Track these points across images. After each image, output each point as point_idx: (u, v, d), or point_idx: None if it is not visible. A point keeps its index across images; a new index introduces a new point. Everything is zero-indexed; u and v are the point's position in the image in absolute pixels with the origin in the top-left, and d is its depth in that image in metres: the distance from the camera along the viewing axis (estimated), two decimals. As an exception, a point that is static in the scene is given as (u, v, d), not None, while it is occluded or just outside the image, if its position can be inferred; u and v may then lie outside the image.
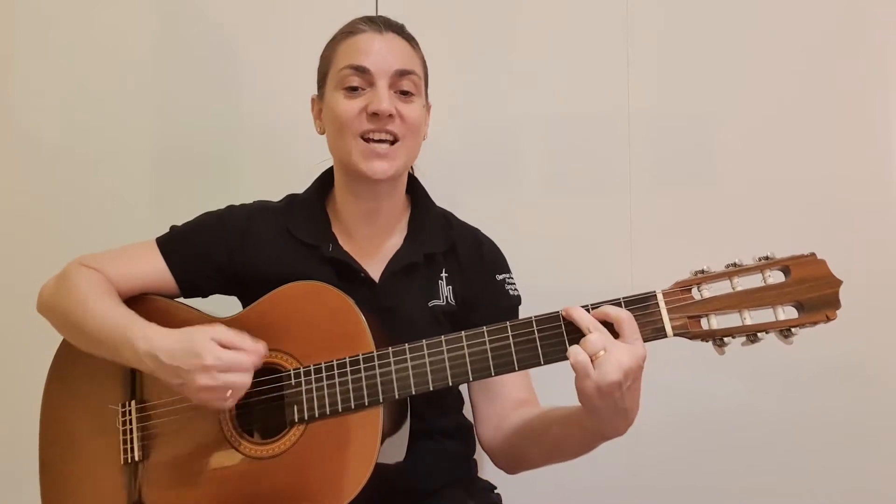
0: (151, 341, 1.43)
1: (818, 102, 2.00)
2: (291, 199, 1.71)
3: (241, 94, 2.15)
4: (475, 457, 1.72)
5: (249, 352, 1.41)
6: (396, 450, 1.46)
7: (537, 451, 1.56)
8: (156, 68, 2.17)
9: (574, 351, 1.29)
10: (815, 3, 2.01)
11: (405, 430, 1.47)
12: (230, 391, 1.38)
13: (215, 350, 1.39)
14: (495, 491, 1.70)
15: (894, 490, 1.95)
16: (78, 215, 2.16)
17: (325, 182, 1.71)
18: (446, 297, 1.63)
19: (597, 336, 1.29)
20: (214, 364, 1.37)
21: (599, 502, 2.02)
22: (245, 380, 1.39)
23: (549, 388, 1.59)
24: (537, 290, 1.71)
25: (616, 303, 1.33)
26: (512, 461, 1.63)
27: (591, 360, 1.27)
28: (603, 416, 1.33)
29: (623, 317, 1.29)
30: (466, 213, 1.76)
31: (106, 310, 1.50)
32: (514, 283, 1.70)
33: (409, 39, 1.62)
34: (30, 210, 2.18)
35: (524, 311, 1.67)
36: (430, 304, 1.61)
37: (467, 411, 1.74)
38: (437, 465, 1.59)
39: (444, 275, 1.64)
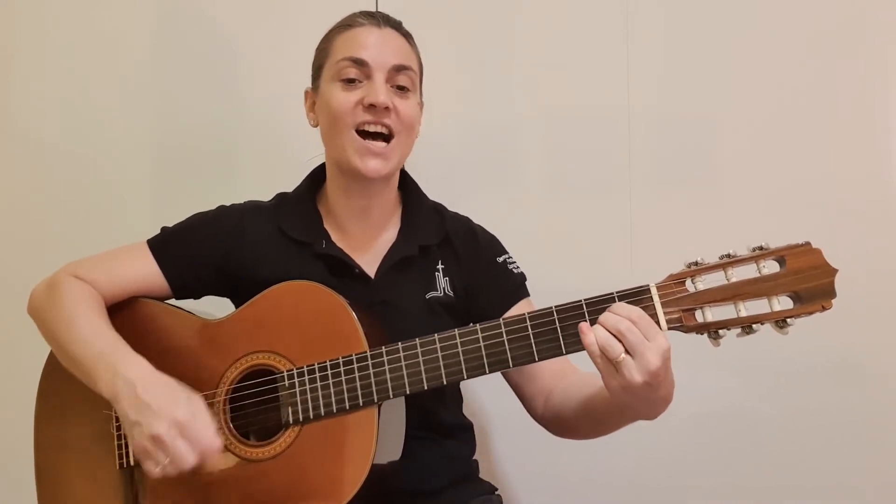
0: (134, 369, 1.39)
1: (818, 102, 1.98)
2: (282, 197, 1.71)
3: (240, 93, 2.15)
4: (475, 457, 1.70)
5: (213, 437, 1.35)
6: (392, 449, 1.45)
7: (588, 426, 1.55)
8: (155, 68, 2.18)
9: (595, 355, 1.27)
10: (815, 3, 1.99)
11: (401, 430, 1.46)
12: (169, 459, 1.32)
13: (190, 412, 1.34)
14: (496, 492, 1.67)
15: (891, 487, 1.93)
16: (78, 215, 2.16)
17: (315, 179, 1.70)
18: (444, 289, 1.62)
19: (615, 342, 1.26)
20: (182, 420, 1.32)
21: (601, 502, 2.00)
22: (189, 458, 1.32)
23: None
24: (537, 289, 1.70)
25: (609, 297, 1.31)
26: (568, 432, 1.62)
27: (613, 364, 1.26)
28: (637, 405, 1.33)
29: (634, 316, 1.26)
30: (466, 212, 1.75)
31: (92, 331, 1.48)
32: (515, 262, 1.70)
33: (407, 36, 1.62)
34: (29, 210, 2.18)
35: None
36: (428, 296, 1.61)
37: (467, 412, 1.73)
38: (436, 466, 1.58)
39: (440, 266, 1.63)
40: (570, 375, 1.60)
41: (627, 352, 1.25)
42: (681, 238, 1.98)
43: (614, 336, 1.26)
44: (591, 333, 1.27)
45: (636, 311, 1.27)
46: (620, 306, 1.28)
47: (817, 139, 1.98)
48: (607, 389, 1.30)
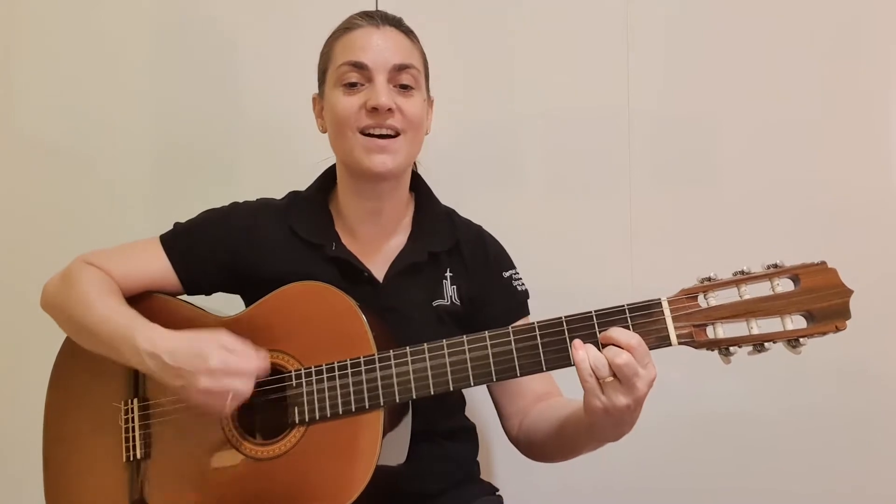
0: (155, 342, 1.42)
1: (818, 102, 2.00)
2: (294, 196, 1.70)
3: (240, 93, 2.14)
4: (477, 458, 1.72)
5: (253, 358, 1.40)
6: (397, 452, 1.45)
7: (555, 448, 1.57)
8: (156, 68, 2.16)
9: (584, 373, 1.28)
10: (815, 4, 2.00)
11: (406, 432, 1.47)
12: (231, 395, 1.37)
13: (220, 353, 1.38)
14: (497, 493, 1.69)
15: (891, 487, 1.96)
16: (78, 215, 2.15)
17: (327, 180, 1.70)
18: (451, 297, 1.62)
19: (605, 364, 1.27)
20: (218, 367, 1.37)
21: (602, 503, 2.02)
22: (247, 386, 1.38)
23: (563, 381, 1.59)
24: (537, 289, 1.71)
25: (620, 309, 1.31)
26: (537, 455, 1.63)
27: (600, 383, 1.28)
28: (607, 428, 1.35)
29: (633, 343, 1.27)
30: (466, 212, 1.75)
31: (109, 309, 1.50)
32: (521, 278, 1.70)
33: (408, 33, 1.61)
34: (30, 210, 2.17)
35: (526, 311, 1.68)
36: (435, 303, 1.61)
37: (470, 413, 1.74)
38: (439, 468, 1.59)
39: (448, 274, 1.63)
40: (550, 400, 1.62)
41: (616, 376, 1.27)
42: (680, 239, 2.00)
43: (609, 364, 1.27)
44: (583, 350, 1.29)
45: (635, 339, 1.27)
46: (620, 333, 1.29)
47: (817, 140, 1.99)
48: (587, 408, 1.32)
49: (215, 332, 1.42)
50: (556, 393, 1.65)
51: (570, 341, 1.32)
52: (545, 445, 1.57)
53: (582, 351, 1.29)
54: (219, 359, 1.38)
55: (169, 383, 1.41)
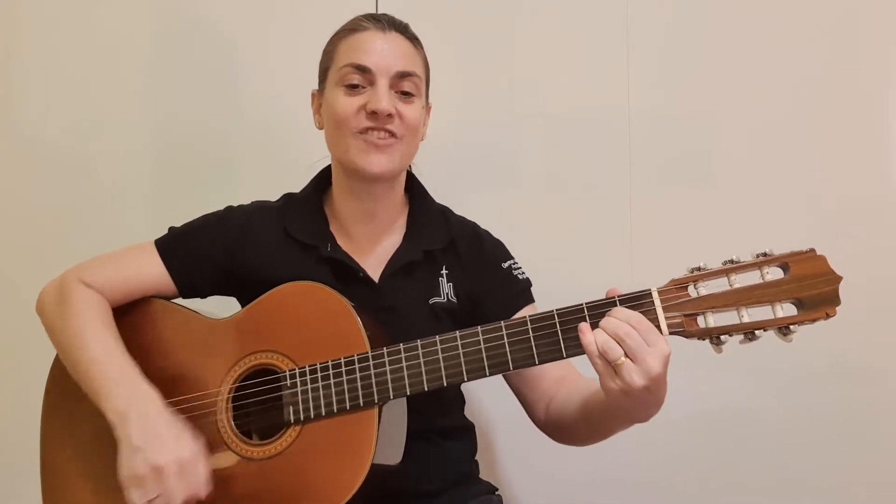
0: (147, 399, 1.43)
1: (818, 102, 1.99)
2: (288, 198, 1.70)
3: (240, 93, 2.15)
4: (476, 458, 1.71)
5: (205, 487, 1.39)
6: (394, 450, 1.44)
7: (586, 431, 1.54)
8: (155, 68, 2.17)
9: (593, 355, 1.27)
10: (815, 4, 2.00)
11: (402, 431, 1.46)
12: (160, 494, 1.35)
13: (201, 458, 1.39)
14: (497, 493, 1.68)
15: (892, 489, 1.95)
16: (78, 215, 2.16)
17: (321, 181, 1.70)
18: (447, 294, 1.62)
19: (615, 345, 1.25)
20: (188, 462, 1.37)
21: (601, 502, 2.00)
22: (179, 499, 1.36)
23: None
24: (537, 289, 1.70)
25: (611, 301, 1.30)
26: (568, 439, 1.61)
27: (613, 367, 1.26)
28: (630, 409, 1.33)
29: (634, 321, 1.25)
30: (466, 212, 1.75)
31: (102, 354, 1.49)
32: (521, 268, 1.69)
33: (413, 39, 1.61)
34: (29, 210, 2.18)
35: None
36: (431, 301, 1.60)
37: (469, 412, 1.73)
38: (437, 467, 1.58)
39: (444, 272, 1.63)
40: (572, 382, 1.59)
41: (628, 356, 1.25)
42: (680, 238, 2.00)
43: (614, 340, 1.25)
44: (591, 333, 1.27)
45: (635, 316, 1.26)
46: (620, 311, 1.28)
47: (817, 139, 1.99)
48: (604, 391, 1.29)
49: (199, 437, 1.43)
50: (575, 374, 1.61)
51: (562, 334, 1.32)
52: (576, 429, 1.55)
53: (589, 335, 1.27)
54: (191, 455, 1.38)
55: (128, 438, 1.39)
